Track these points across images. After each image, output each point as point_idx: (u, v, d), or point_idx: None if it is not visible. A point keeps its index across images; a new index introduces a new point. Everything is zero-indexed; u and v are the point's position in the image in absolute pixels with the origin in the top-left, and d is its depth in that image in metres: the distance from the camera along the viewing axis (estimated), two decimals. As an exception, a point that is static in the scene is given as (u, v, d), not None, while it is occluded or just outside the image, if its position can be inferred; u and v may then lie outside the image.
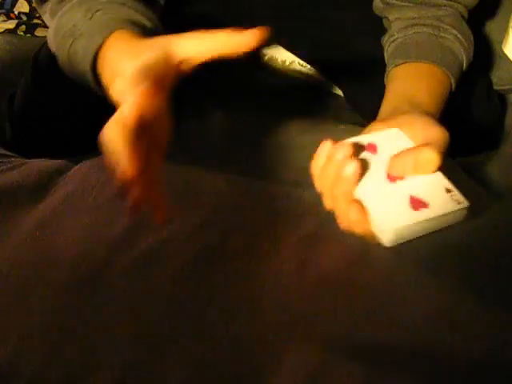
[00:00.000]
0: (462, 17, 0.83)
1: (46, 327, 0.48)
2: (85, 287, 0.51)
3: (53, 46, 0.76)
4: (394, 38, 0.83)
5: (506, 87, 1.04)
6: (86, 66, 0.69)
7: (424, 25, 0.81)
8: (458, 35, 0.80)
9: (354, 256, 0.55)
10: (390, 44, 0.83)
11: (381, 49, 0.85)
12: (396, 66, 0.78)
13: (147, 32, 0.71)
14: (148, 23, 0.74)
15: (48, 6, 0.78)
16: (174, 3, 0.91)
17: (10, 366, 0.46)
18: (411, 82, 0.75)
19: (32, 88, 0.92)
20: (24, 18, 1.33)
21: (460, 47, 0.80)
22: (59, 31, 0.73)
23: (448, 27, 0.80)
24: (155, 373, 0.45)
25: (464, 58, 0.80)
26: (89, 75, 0.69)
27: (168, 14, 0.78)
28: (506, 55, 1.00)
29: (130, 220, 0.57)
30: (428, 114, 0.64)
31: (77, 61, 0.71)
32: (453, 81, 0.77)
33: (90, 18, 0.71)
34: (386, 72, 0.80)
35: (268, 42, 1.05)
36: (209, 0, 0.98)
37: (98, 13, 0.71)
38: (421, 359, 0.46)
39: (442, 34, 0.80)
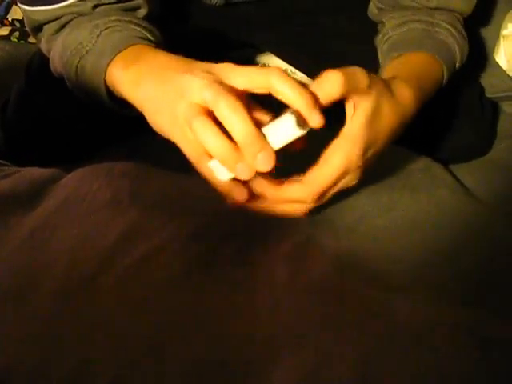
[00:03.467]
0: (459, 20, 0.84)
1: (40, 334, 0.48)
2: (78, 294, 0.51)
3: (59, 66, 0.76)
4: (389, 35, 0.83)
5: (498, 95, 1.04)
6: (98, 82, 0.70)
7: (418, 21, 0.81)
8: (452, 30, 0.81)
9: (345, 264, 0.55)
10: (384, 43, 0.84)
11: (374, 56, 0.86)
12: (391, 59, 0.78)
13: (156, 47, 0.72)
14: (155, 39, 0.74)
15: (43, 40, 0.79)
16: (170, 19, 0.92)
17: (5, 372, 0.46)
18: (404, 68, 0.76)
19: (25, 95, 0.92)
20: (18, 24, 1.34)
21: (454, 42, 0.80)
22: (66, 50, 0.73)
23: (441, 22, 0.81)
24: (148, 378, 0.46)
25: (458, 52, 0.81)
26: (102, 90, 0.70)
27: (167, 29, 0.79)
28: (497, 63, 1.01)
29: (123, 227, 0.57)
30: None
31: (85, 77, 0.71)
32: (445, 68, 0.78)
33: (98, 35, 0.71)
34: (380, 68, 0.80)
35: (261, 50, 1.05)
36: (205, 13, 0.98)
37: (106, 30, 0.71)
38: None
39: (436, 29, 0.80)
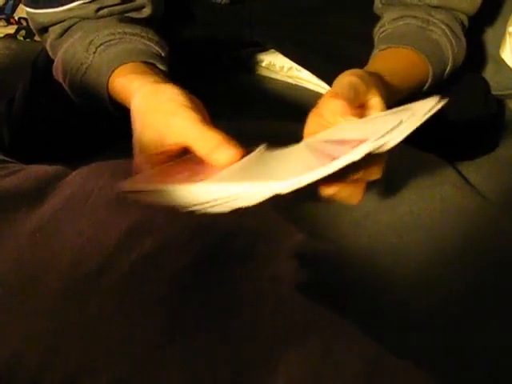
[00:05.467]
0: (462, 23, 0.84)
1: (43, 331, 0.49)
2: (82, 292, 0.51)
3: (63, 81, 0.78)
4: (384, 28, 0.84)
5: (504, 92, 1.04)
6: (102, 96, 0.71)
7: (414, 17, 0.82)
8: (446, 30, 0.81)
9: (349, 260, 0.55)
10: (379, 35, 0.84)
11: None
12: (380, 50, 0.79)
13: (158, 59, 0.73)
14: (150, 43, 0.75)
15: (48, 42, 0.80)
16: (175, 18, 0.93)
17: (8, 369, 0.46)
18: (383, 62, 0.76)
19: (30, 93, 0.93)
20: (24, 23, 1.34)
21: (446, 41, 0.81)
22: (67, 68, 0.75)
23: (437, 21, 0.81)
24: (151, 376, 0.46)
25: (450, 52, 0.81)
26: (107, 103, 0.71)
27: (171, 28, 0.80)
28: (503, 60, 1.01)
29: (127, 224, 0.57)
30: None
31: (90, 92, 0.73)
32: (430, 68, 0.78)
33: (94, 51, 0.72)
34: (371, 57, 0.81)
35: (266, 48, 1.06)
36: (210, 12, 0.98)
37: (101, 47, 0.73)
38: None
39: (431, 27, 0.81)
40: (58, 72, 0.79)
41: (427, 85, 0.80)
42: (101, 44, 0.73)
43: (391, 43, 0.79)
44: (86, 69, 0.72)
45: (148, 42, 0.75)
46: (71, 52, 0.74)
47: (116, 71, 0.71)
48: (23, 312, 0.50)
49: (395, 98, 0.71)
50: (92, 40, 0.73)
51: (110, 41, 0.73)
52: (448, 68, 0.82)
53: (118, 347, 0.47)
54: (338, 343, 0.46)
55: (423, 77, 0.79)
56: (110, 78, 0.71)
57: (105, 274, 0.52)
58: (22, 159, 0.74)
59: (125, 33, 0.74)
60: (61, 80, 0.79)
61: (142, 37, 0.75)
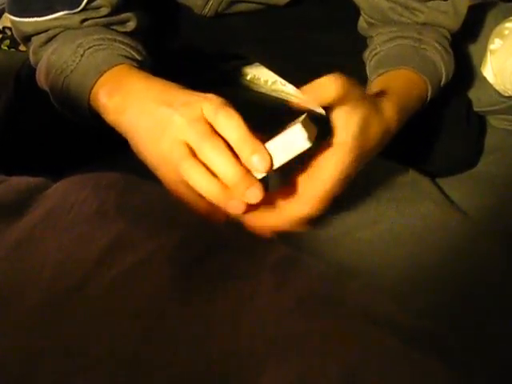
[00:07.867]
0: (446, 38, 0.85)
1: (24, 346, 0.48)
2: (62, 307, 0.51)
3: (44, 83, 0.77)
4: (377, 51, 0.84)
5: (486, 109, 1.05)
6: (82, 102, 0.70)
7: (406, 37, 0.83)
8: (439, 48, 0.82)
9: (329, 279, 0.55)
10: (372, 58, 0.84)
11: (362, 71, 0.86)
12: (378, 75, 0.79)
13: (140, 66, 0.72)
14: (139, 57, 0.75)
15: (31, 50, 0.80)
16: (160, 31, 0.92)
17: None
18: (386, 86, 0.76)
19: (13, 104, 0.92)
20: (8, 32, 1.34)
21: (440, 59, 0.82)
22: (51, 69, 0.74)
23: (429, 39, 0.82)
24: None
25: (443, 70, 0.82)
26: (86, 109, 0.70)
27: (157, 41, 0.80)
28: (485, 78, 1.02)
29: (109, 239, 0.57)
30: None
31: (70, 96, 0.72)
32: (429, 87, 0.79)
33: (82, 54, 0.72)
34: (368, 83, 0.81)
35: (250, 61, 1.06)
36: (196, 24, 0.98)
37: (89, 49, 0.72)
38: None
39: (423, 46, 0.81)
40: (40, 75, 0.78)
41: (427, 101, 0.81)
42: (89, 47, 0.72)
43: (389, 66, 0.79)
44: (71, 71, 0.72)
45: (135, 53, 0.75)
46: (58, 52, 0.74)
47: (104, 75, 0.70)
48: (4, 326, 0.50)
49: (405, 119, 0.73)
50: (81, 43, 0.73)
51: (99, 45, 0.73)
52: (442, 83, 0.83)
53: (100, 362, 0.47)
54: (317, 361, 0.47)
55: (423, 95, 0.80)
56: (97, 84, 0.70)
57: (85, 288, 0.52)
58: (4, 171, 0.74)
59: (115, 40, 0.74)
60: (43, 83, 0.78)
61: (132, 47, 0.75)
